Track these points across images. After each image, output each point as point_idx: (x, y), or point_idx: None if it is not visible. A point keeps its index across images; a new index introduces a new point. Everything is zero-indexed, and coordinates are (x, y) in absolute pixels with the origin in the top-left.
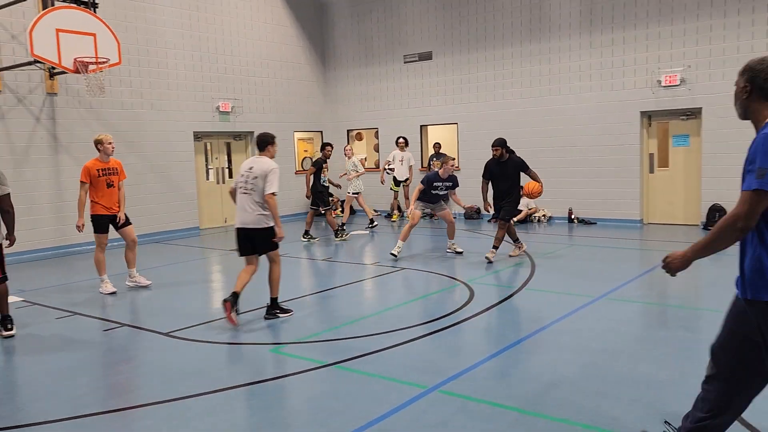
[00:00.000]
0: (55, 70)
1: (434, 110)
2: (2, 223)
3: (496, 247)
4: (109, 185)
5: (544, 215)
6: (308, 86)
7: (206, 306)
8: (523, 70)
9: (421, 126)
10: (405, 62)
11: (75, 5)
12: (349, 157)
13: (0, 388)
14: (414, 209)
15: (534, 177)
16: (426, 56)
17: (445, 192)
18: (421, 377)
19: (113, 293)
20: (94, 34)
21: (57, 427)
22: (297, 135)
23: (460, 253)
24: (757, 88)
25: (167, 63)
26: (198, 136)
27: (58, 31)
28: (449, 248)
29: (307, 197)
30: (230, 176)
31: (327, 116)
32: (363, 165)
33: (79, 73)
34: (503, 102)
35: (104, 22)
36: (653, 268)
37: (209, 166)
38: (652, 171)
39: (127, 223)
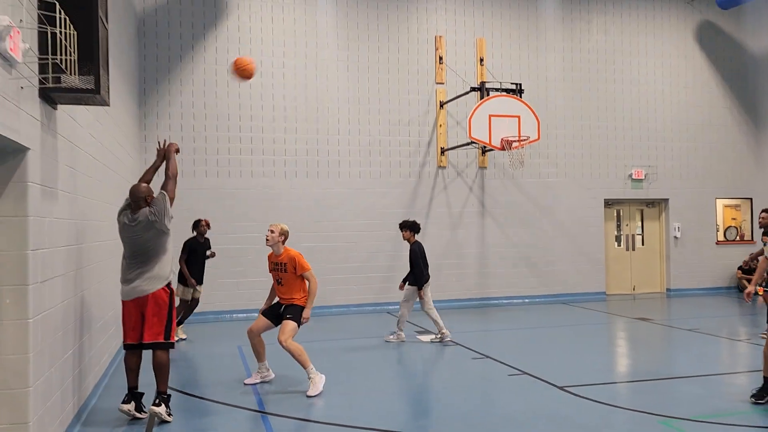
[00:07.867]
0: (486, 149)
1: None
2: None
3: None
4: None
5: None
6: (734, 149)
7: (603, 367)
8: None
9: None
10: None
11: (506, 93)
12: None
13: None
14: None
15: None
16: None
17: None
18: None
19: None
20: (518, 116)
21: None
22: (721, 202)
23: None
24: None
25: (588, 135)
26: (608, 203)
27: (490, 116)
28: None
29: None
30: (642, 243)
31: (759, 182)
32: None
33: (504, 150)
34: None
35: (527, 105)
36: None
37: (619, 233)
38: None
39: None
